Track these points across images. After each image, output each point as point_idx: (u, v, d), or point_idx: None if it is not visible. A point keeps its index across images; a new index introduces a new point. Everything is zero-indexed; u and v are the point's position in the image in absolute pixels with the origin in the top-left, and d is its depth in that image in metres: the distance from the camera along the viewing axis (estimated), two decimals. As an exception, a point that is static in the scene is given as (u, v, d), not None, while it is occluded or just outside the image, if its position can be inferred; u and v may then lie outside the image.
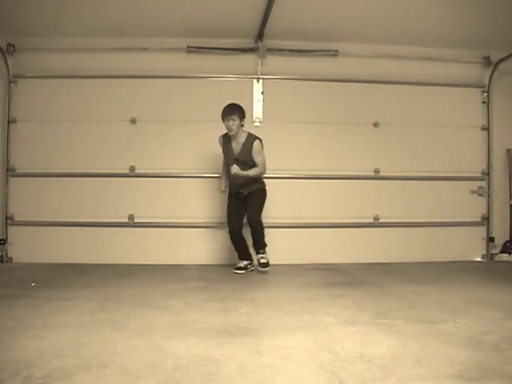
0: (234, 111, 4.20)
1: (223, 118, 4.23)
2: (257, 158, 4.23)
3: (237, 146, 4.28)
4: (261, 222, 4.33)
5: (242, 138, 4.26)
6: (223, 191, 4.50)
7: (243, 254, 4.46)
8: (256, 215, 4.30)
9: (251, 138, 4.26)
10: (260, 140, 4.26)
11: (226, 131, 4.30)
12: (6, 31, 4.83)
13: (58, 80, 4.99)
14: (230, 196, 4.44)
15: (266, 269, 4.32)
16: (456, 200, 5.29)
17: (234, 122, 4.18)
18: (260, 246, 4.36)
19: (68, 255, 4.86)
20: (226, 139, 4.32)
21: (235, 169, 4.17)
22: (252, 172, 4.24)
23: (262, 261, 4.33)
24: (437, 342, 2.24)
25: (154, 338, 2.29)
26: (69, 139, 4.99)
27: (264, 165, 4.29)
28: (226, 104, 4.28)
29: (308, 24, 4.76)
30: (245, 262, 4.43)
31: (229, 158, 4.31)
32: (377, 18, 4.63)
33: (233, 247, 4.48)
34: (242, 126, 4.28)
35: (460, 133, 5.34)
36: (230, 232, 4.38)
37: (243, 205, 4.35)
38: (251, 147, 4.22)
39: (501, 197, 5.41)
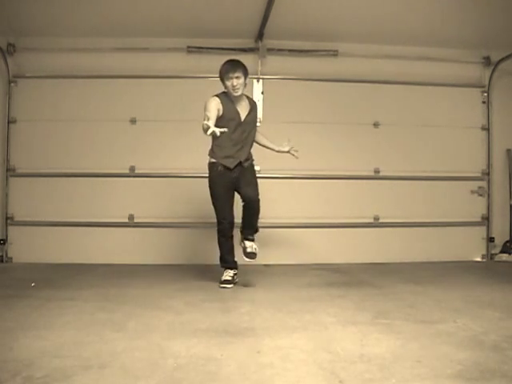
0: (239, 67, 3.49)
1: (225, 75, 3.46)
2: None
3: (243, 111, 3.56)
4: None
5: (245, 101, 3.57)
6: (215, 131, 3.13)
7: (230, 258, 3.69)
8: (257, 191, 3.61)
9: (252, 100, 3.72)
10: None
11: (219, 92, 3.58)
12: (6, 31, 4.82)
13: (58, 80, 4.99)
14: (220, 176, 3.55)
15: (253, 259, 3.66)
16: (456, 200, 5.28)
17: (238, 81, 3.46)
18: (255, 228, 3.70)
19: (68, 255, 4.86)
20: (227, 100, 3.51)
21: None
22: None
23: (250, 250, 3.60)
24: (437, 342, 2.24)
25: (154, 338, 2.29)
26: (69, 139, 4.99)
27: None
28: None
29: (308, 24, 4.76)
30: (231, 273, 3.68)
31: (231, 123, 3.47)
32: (377, 18, 4.62)
33: (219, 248, 3.69)
34: (245, 86, 3.58)
35: (460, 133, 5.33)
36: (222, 224, 3.57)
37: (233, 189, 3.62)
38: (256, 111, 3.58)
39: (501, 197, 5.40)
